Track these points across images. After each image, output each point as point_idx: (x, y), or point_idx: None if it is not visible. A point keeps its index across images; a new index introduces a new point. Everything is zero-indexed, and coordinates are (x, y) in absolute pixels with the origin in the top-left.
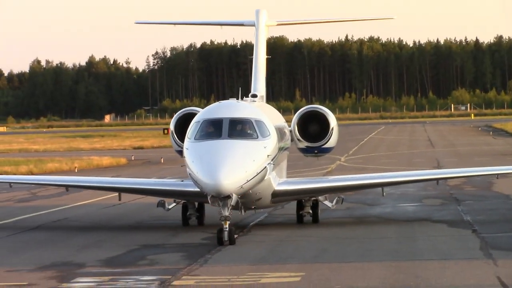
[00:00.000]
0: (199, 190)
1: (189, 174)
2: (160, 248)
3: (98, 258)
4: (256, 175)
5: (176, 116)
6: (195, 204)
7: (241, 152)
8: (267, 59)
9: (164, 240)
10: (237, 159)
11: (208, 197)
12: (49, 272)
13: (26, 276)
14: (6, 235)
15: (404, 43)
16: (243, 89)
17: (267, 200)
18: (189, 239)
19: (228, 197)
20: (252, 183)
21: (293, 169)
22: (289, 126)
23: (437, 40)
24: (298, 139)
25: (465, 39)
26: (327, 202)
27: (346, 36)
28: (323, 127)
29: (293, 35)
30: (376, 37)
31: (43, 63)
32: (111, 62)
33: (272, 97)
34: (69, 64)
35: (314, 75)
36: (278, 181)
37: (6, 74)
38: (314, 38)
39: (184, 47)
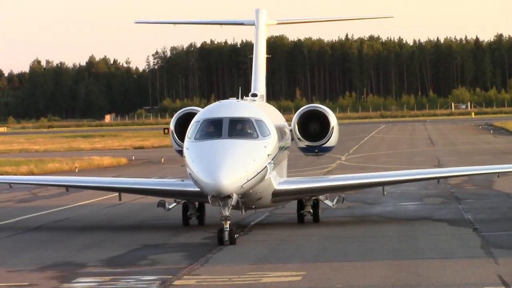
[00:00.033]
0: (199, 190)
1: (189, 174)
2: (161, 248)
3: (99, 258)
4: (257, 174)
5: (176, 115)
6: (196, 204)
7: (241, 151)
8: (267, 58)
9: (165, 240)
10: (237, 158)
11: (209, 197)
12: (50, 272)
13: (27, 276)
14: (7, 235)
15: (404, 42)
16: (243, 89)
17: (267, 200)
18: (190, 238)
19: (229, 197)
20: (252, 183)
21: (293, 168)
22: (290, 125)
23: (437, 38)
24: (299, 138)
25: (465, 37)
26: (327, 202)
27: (346, 35)
28: (324, 126)
29: (293, 34)
30: (376, 36)
31: (43, 63)
32: (111, 62)
33: (272, 96)
34: (69, 64)
35: (315, 74)
36: (279, 181)
37: (6, 75)
38: (314, 37)
39: (184, 47)
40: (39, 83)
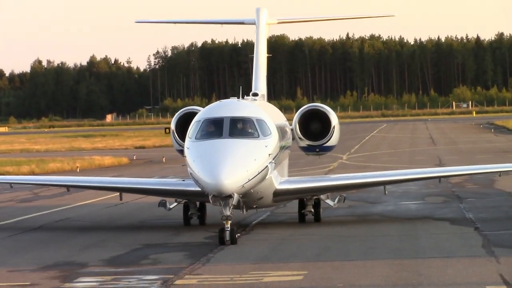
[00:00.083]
0: (200, 189)
1: (190, 173)
2: (162, 248)
3: (100, 258)
4: (258, 174)
5: (176, 115)
6: (197, 204)
7: (242, 151)
8: (268, 58)
9: (166, 239)
10: (238, 158)
11: (210, 197)
12: (51, 272)
13: (28, 276)
14: (8, 235)
15: (405, 40)
16: (244, 88)
17: (268, 199)
18: (192, 238)
19: (230, 196)
20: (253, 182)
21: (294, 167)
22: (291, 124)
23: (438, 37)
24: (300, 138)
25: (466, 36)
26: (329, 201)
27: (347, 34)
28: (325, 126)
29: (294, 33)
30: (377, 35)
31: (44, 63)
32: (112, 62)
33: (273, 96)
34: (70, 64)
35: (316, 74)
36: (280, 180)
37: (7, 75)
38: (315, 36)
39: (185, 46)
40: (40, 83)
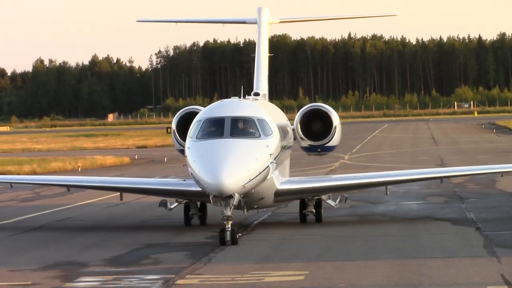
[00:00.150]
0: (201, 189)
1: (191, 173)
2: (163, 247)
3: (101, 258)
4: (259, 174)
5: (178, 115)
6: (198, 204)
7: (243, 151)
8: (270, 57)
9: (167, 239)
10: (239, 158)
11: (210, 197)
12: (52, 272)
13: (29, 275)
14: (9, 234)
15: (407, 40)
16: (246, 88)
17: (270, 200)
18: (193, 238)
19: (230, 196)
20: (254, 183)
21: (296, 167)
22: (292, 124)
23: (440, 37)
24: (301, 138)
25: (468, 36)
26: (330, 201)
27: (349, 34)
28: (326, 126)
29: (296, 33)
30: (379, 35)
31: (46, 63)
32: (114, 61)
33: (275, 95)
34: (72, 63)
35: (317, 73)
36: (281, 180)
37: (9, 74)
38: (317, 36)
39: (187, 46)
40: (42, 82)
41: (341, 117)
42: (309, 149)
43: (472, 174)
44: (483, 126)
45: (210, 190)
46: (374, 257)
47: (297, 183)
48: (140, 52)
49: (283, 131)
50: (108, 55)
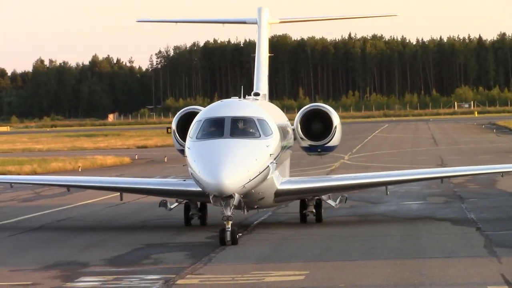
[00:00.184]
0: (201, 189)
1: (191, 173)
2: (164, 247)
3: (102, 258)
4: (259, 174)
5: (178, 115)
6: (198, 204)
7: (243, 151)
8: (270, 57)
9: (168, 239)
10: (239, 158)
11: (210, 197)
12: (53, 272)
13: (30, 275)
14: (9, 234)
15: (407, 41)
16: (246, 88)
17: (270, 200)
18: (193, 238)
19: (230, 196)
20: (254, 183)
21: (296, 167)
22: (292, 124)
23: (440, 37)
24: (301, 138)
25: (468, 36)
26: (330, 201)
27: (349, 34)
28: (326, 126)
29: (296, 33)
30: (379, 35)
31: (47, 63)
32: (115, 61)
33: (275, 96)
34: (72, 63)
35: (318, 73)
36: (281, 180)
37: (9, 74)
38: (317, 36)
39: (187, 46)
40: (42, 83)
41: (341, 117)
42: (309, 149)
43: (473, 174)
44: (483, 126)
45: (210, 190)
46: (375, 257)
47: (297, 183)
48: (140, 52)
49: (283, 131)
50: (108, 55)
